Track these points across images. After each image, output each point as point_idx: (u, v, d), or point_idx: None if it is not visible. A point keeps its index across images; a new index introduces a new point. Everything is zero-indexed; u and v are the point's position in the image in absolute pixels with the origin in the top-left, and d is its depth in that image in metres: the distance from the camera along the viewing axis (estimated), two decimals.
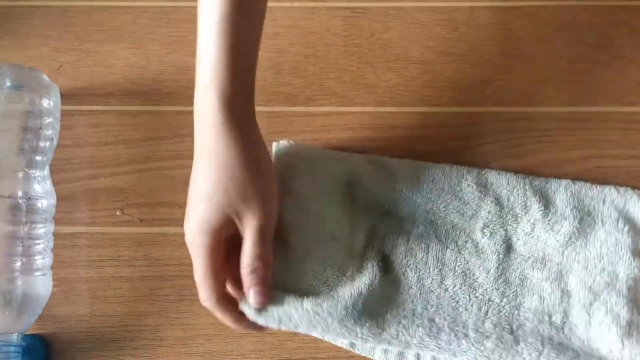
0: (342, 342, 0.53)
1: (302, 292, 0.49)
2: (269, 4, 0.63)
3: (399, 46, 0.62)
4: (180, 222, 0.56)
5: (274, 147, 0.56)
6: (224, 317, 0.47)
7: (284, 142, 0.56)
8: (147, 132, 0.59)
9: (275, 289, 0.48)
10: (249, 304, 0.47)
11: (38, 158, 0.53)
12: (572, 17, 0.62)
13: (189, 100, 0.60)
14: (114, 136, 0.59)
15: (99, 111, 0.60)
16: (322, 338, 0.52)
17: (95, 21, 0.63)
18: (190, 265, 0.55)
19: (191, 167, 0.57)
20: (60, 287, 0.54)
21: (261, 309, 0.47)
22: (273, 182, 0.48)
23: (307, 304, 0.48)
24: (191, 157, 0.58)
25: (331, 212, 0.53)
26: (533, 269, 0.52)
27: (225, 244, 0.47)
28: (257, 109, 0.59)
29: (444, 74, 0.61)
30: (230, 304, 0.47)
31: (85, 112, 0.60)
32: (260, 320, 0.47)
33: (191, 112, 0.60)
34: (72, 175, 0.58)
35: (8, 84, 0.53)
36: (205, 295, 0.46)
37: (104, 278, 0.55)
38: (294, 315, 0.47)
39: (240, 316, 0.47)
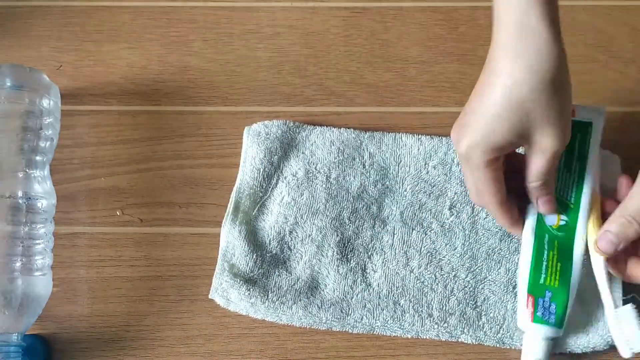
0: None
1: (263, 274, 0.53)
2: (269, 4, 0.63)
3: (399, 46, 0.62)
4: (180, 222, 0.56)
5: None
6: (503, 219, 0.48)
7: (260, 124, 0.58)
8: (147, 132, 0.59)
9: (236, 277, 0.52)
10: (538, 211, 0.48)
11: (38, 158, 0.53)
12: (572, 17, 0.62)
13: (189, 100, 0.60)
14: (114, 136, 0.59)
15: (99, 111, 0.60)
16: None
17: (95, 21, 0.63)
18: (190, 265, 0.55)
19: (191, 167, 0.58)
20: (60, 287, 0.54)
21: (550, 213, 0.49)
22: (570, 103, 0.45)
23: (272, 295, 0.52)
24: (191, 157, 0.58)
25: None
26: (501, 241, 0.53)
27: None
28: (257, 109, 0.60)
29: (444, 74, 0.61)
30: (512, 206, 0.48)
31: (85, 112, 0.60)
32: (229, 307, 0.52)
33: (191, 112, 0.60)
34: (72, 175, 0.58)
35: (8, 84, 0.53)
36: (489, 201, 0.47)
37: (104, 278, 0.55)
38: (260, 308, 0.52)
39: (517, 218, 0.49)
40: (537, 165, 0.46)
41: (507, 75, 0.42)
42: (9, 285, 0.49)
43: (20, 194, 0.51)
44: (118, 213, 0.56)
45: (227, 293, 0.52)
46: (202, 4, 0.63)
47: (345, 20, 0.62)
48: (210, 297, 0.53)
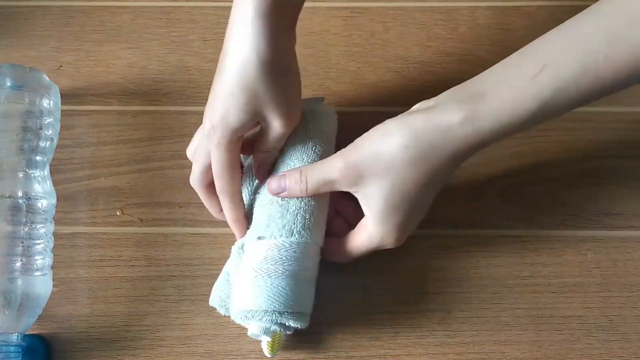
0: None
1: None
2: None
3: (399, 46, 0.62)
4: (180, 222, 0.56)
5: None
6: (232, 211, 0.51)
7: None
8: (147, 132, 0.59)
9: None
10: (254, 174, 0.52)
11: (38, 158, 0.53)
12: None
13: (189, 100, 0.60)
14: (114, 136, 0.59)
15: (99, 111, 0.60)
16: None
17: (95, 21, 0.63)
18: (190, 265, 0.55)
19: (191, 167, 0.57)
20: (60, 287, 0.54)
21: (262, 179, 0.52)
22: (299, 92, 0.50)
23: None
24: None
25: None
26: None
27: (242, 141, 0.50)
28: None
29: (444, 74, 0.61)
30: (242, 201, 0.51)
31: (85, 112, 0.60)
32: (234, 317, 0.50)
33: (191, 112, 0.60)
34: (72, 175, 0.58)
35: (8, 84, 0.53)
36: (222, 185, 0.50)
37: (104, 278, 0.55)
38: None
39: (244, 218, 0.52)
40: (267, 140, 0.50)
41: (237, 56, 0.46)
42: (9, 285, 0.49)
43: (20, 194, 0.51)
44: (118, 213, 0.56)
45: (225, 303, 0.51)
46: (202, 4, 0.63)
47: (345, 20, 0.62)
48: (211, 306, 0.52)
